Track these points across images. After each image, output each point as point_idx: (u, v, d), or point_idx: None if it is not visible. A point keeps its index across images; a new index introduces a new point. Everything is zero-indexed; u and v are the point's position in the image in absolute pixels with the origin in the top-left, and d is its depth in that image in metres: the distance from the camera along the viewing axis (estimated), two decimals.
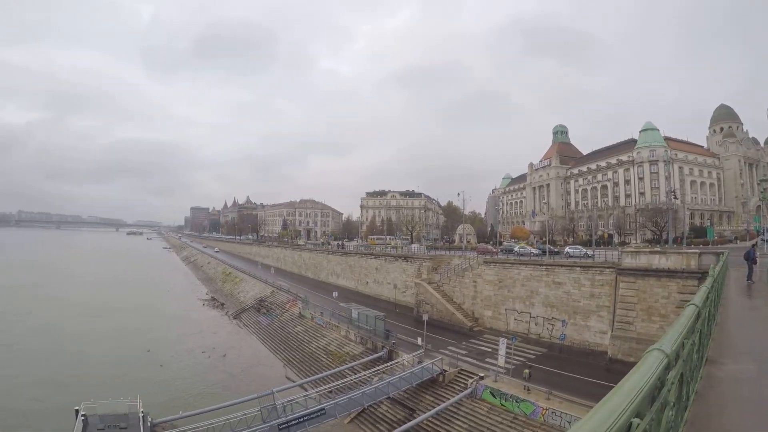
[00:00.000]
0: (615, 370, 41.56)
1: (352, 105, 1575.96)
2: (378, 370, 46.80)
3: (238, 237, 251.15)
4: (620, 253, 52.77)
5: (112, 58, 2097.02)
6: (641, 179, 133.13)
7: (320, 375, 49.54)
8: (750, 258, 26.55)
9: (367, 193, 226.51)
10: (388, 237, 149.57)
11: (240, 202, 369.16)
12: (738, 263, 30.49)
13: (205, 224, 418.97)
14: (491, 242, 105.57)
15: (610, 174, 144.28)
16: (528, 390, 37.93)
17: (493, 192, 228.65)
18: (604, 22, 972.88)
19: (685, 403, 4.53)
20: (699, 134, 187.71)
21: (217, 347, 66.90)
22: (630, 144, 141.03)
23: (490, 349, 51.38)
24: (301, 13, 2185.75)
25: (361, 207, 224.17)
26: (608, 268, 50.24)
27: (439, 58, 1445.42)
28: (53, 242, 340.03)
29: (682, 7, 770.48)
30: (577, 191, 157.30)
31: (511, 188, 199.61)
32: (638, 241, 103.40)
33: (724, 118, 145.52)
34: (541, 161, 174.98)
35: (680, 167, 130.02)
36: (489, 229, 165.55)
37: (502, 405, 38.14)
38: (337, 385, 43.34)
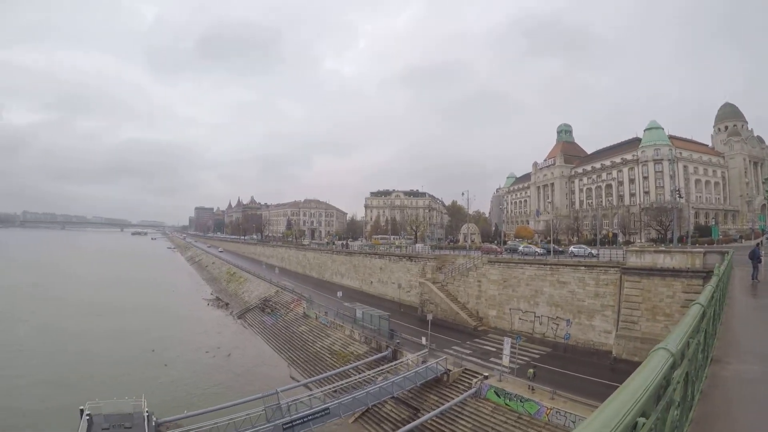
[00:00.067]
0: (619, 369, 41.50)
1: (356, 105, 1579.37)
2: (382, 369, 46.83)
3: (243, 237, 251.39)
4: (625, 252, 52.70)
5: (116, 59, 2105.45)
6: (646, 178, 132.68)
7: (324, 375, 49.53)
8: (755, 257, 26.48)
9: (372, 193, 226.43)
10: (392, 237, 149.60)
11: (244, 202, 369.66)
12: (743, 262, 30.43)
13: (210, 224, 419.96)
14: (495, 242, 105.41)
15: (614, 173, 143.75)
16: (532, 389, 37.87)
17: (497, 191, 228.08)
18: (605, 22, 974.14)
19: (690, 403, 4.52)
20: (702, 132, 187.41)
21: (221, 347, 67.02)
22: (634, 143, 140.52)
23: (494, 349, 51.38)
24: (304, 13, 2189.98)
25: (366, 207, 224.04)
26: (613, 267, 50.14)
27: (442, 57, 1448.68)
28: (57, 242, 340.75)
29: (682, 7, 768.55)
30: (581, 190, 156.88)
31: (516, 187, 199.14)
32: (643, 241, 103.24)
33: (729, 117, 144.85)
34: (545, 160, 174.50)
35: (685, 166, 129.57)
36: (493, 228, 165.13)
37: (506, 404, 38.10)
38: (342, 384, 43.45)
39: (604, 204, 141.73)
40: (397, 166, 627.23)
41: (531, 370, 40.50)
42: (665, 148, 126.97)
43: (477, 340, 57.50)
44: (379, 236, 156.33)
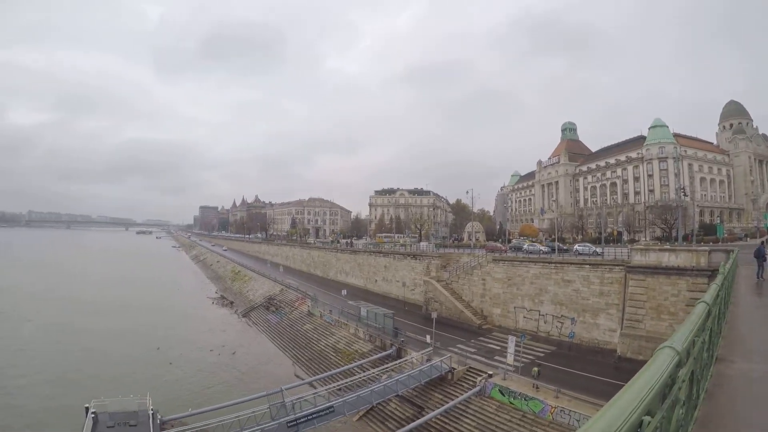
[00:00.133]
0: (624, 368, 41.44)
1: (359, 103, 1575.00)
2: (387, 368, 46.90)
3: (247, 236, 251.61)
4: (629, 250, 52.43)
5: (121, 59, 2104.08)
6: (650, 176, 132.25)
7: (329, 373, 49.62)
8: (760, 255, 26.38)
9: (376, 191, 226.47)
10: (397, 235, 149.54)
11: (249, 201, 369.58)
12: (748, 261, 30.31)
13: (214, 223, 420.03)
14: (500, 240, 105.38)
15: (619, 171, 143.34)
16: (537, 388, 37.84)
17: (501, 189, 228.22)
18: (606, 21, 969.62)
19: (695, 402, 4.52)
20: (704, 131, 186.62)
21: (226, 345, 67.18)
22: (639, 141, 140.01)
23: (498, 347, 51.32)
24: (306, 12, 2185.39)
25: (370, 205, 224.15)
26: (617, 265, 49.98)
27: (444, 56, 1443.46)
28: (62, 242, 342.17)
29: (681, 7, 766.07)
30: (586, 188, 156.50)
31: (520, 186, 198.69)
32: (648, 239, 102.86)
33: (734, 114, 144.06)
34: (549, 158, 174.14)
35: (690, 164, 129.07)
36: (498, 226, 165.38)
37: (510, 403, 38.09)
38: (346, 383, 43.55)
39: (608, 202, 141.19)
40: (401, 164, 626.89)
41: (535, 369, 40.50)
42: (670, 146, 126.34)
43: (481, 338, 57.47)
44: (383, 234, 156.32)
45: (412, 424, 38.07)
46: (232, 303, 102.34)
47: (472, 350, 51.70)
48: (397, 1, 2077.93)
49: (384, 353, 52.67)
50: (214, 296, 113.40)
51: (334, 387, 42.53)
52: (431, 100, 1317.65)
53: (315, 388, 43.87)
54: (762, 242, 42.95)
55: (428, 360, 46.00)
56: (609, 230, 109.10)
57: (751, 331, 11.01)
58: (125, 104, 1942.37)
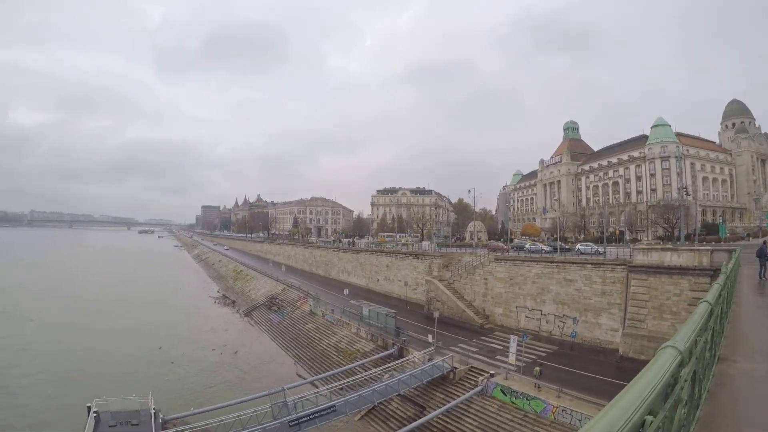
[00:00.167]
0: (626, 367, 41.42)
1: (361, 103, 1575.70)
2: (389, 367, 46.88)
3: (249, 235, 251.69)
4: (632, 250, 52.46)
5: (122, 58, 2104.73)
6: (653, 175, 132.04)
7: (331, 372, 49.67)
8: (762, 255, 26.30)
9: (378, 191, 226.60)
10: (399, 234, 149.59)
11: (251, 201, 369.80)
12: (750, 260, 30.23)
13: (216, 222, 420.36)
14: (502, 239, 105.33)
15: (621, 170, 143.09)
16: (539, 388, 37.83)
17: (503, 189, 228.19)
18: (606, 20, 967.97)
19: (697, 401, 4.52)
20: (707, 129, 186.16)
21: (228, 344, 67.26)
22: (641, 140, 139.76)
23: (500, 347, 51.26)
24: (308, 12, 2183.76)
25: (372, 204, 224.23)
26: (620, 265, 49.93)
27: (447, 55, 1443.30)
28: (65, 241, 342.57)
29: (682, 7, 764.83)
30: (588, 188, 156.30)
31: (522, 185, 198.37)
32: (650, 238, 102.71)
33: (736, 114, 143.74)
34: (551, 158, 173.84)
35: (692, 163, 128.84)
36: (500, 226, 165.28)
37: (512, 402, 38.09)
38: (348, 382, 43.53)
39: (611, 201, 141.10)
40: (403, 163, 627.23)
41: (537, 368, 40.44)
42: (672, 145, 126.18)
43: (483, 337, 57.45)
44: (385, 234, 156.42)
45: (414, 424, 38.10)
46: (234, 302, 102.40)
47: (474, 350, 51.70)
48: (398, 1, 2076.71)
49: (386, 353, 52.70)
50: (216, 295, 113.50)
51: (335, 386, 42.52)
52: (433, 100, 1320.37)
53: (317, 387, 43.92)
54: (764, 242, 42.72)
55: (430, 359, 46.00)
56: (611, 230, 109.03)
57: (753, 331, 10.98)
58: (127, 104, 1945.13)
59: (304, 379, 50.45)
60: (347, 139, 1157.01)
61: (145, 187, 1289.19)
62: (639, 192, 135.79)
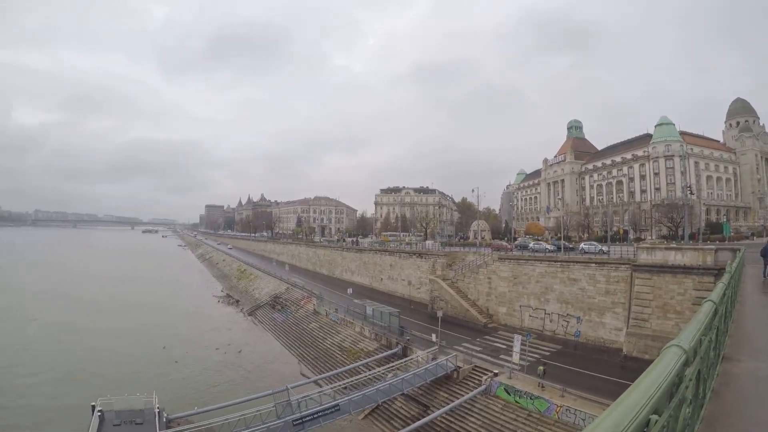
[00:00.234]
0: (630, 367, 41.35)
1: (364, 102, 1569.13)
2: (392, 366, 46.91)
3: (253, 234, 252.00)
4: (636, 249, 52.39)
5: (125, 59, 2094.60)
6: (657, 174, 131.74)
7: (335, 371, 49.69)
8: (767, 254, 26.26)
9: (382, 190, 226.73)
10: (402, 233, 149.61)
11: (254, 200, 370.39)
12: (754, 260, 30.18)
13: (220, 222, 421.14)
14: (506, 238, 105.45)
15: (625, 169, 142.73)
16: (542, 387, 37.82)
17: (507, 188, 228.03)
18: (608, 19, 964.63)
19: (701, 401, 4.52)
20: (710, 128, 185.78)
21: (232, 344, 67.34)
22: (645, 139, 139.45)
23: (504, 346, 51.28)
24: (312, 11, 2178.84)
25: (376, 203, 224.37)
26: (623, 264, 49.86)
27: (449, 54, 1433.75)
28: (69, 241, 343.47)
29: (683, 6, 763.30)
30: (592, 187, 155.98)
31: (526, 184, 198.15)
32: (654, 237, 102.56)
33: (740, 112, 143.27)
34: (555, 157, 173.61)
35: (696, 162, 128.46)
36: (503, 225, 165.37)
37: (516, 402, 38.09)
38: (352, 381, 43.53)
39: (614, 200, 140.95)
40: (406, 163, 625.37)
41: (541, 368, 40.42)
42: (676, 144, 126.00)
43: (487, 337, 57.45)
44: (389, 233, 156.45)
45: (418, 423, 38.10)
46: (237, 301, 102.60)
47: (478, 349, 51.73)
48: (400, 0, 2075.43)
49: (389, 352, 52.74)
50: (219, 295, 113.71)
51: (339, 385, 42.55)
52: (435, 99, 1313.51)
53: (320, 386, 43.98)
54: None
55: (434, 359, 46.01)
56: (615, 229, 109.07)
57: (757, 330, 10.97)
58: (130, 104, 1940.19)
59: (308, 378, 50.54)
60: (350, 138, 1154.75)
61: (149, 187, 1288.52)
62: (643, 191, 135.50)
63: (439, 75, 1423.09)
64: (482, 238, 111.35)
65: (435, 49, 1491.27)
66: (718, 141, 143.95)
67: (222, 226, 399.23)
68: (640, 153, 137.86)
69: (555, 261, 57.81)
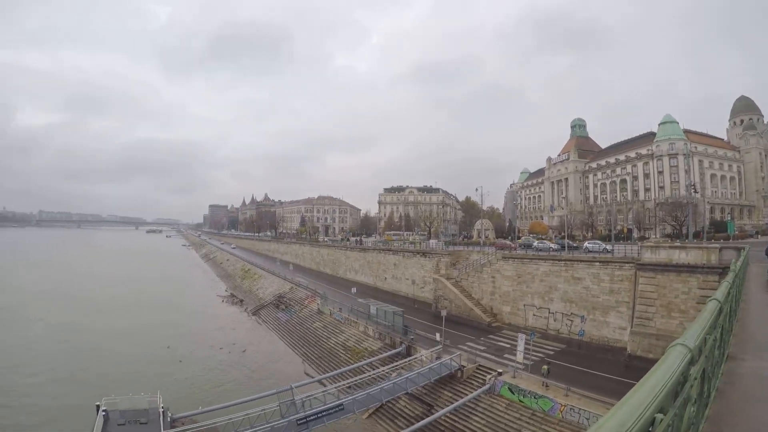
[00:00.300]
0: (634, 366, 41.31)
1: (367, 101, 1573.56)
2: (396, 365, 46.89)
3: (257, 234, 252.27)
4: (640, 247, 52.19)
5: (127, 59, 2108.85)
6: (660, 173, 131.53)
7: (339, 371, 49.71)
8: None
9: (385, 189, 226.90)
10: (406, 233, 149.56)
11: (258, 200, 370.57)
12: (759, 258, 30.10)
13: (224, 222, 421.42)
14: (510, 237, 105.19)
15: (629, 168, 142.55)
16: (546, 386, 37.78)
17: (511, 187, 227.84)
18: (610, 18, 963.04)
19: (706, 400, 4.52)
20: (714, 126, 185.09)
21: (236, 343, 67.44)
22: (649, 137, 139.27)
23: (508, 345, 51.20)
24: (314, 11, 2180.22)
25: (379, 203, 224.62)
26: (628, 263, 49.75)
27: (452, 53, 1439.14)
28: (73, 241, 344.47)
29: (682, 7, 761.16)
30: (595, 185, 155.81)
31: (529, 183, 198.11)
32: (658, 236, 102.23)
33: (744, 110, 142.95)
34: (559, 155, 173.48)
35: (700, 160, 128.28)
36: (507, 224, 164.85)
37: (520, 401, 38.05)
38: (356, 380, 43.54)
39: (618, 199, 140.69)
40: (410, 162, 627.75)
41: (545, 367, 40.38)
42: (680, 142, 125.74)
43: (491, 336, 57.39)
44: (392, 232, 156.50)
45: (422, 422, 38.09)
46: (241, 301, 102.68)
47: (482, 348, 51.65)
48: (402, 0, 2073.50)
49: (393, 351, 52.74)
50: (223, 294, 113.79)
51: (343, 385, 42.58)
52: (437, 98, 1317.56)
53: (324, 385, 43.94)
54: None
55: (438, 358, 45.99)
56: (619, 227, 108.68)
57: (762, 329, 10.93)
58: (133, 104, 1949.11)
59: (312, 377, 50.57)
60: (353, 137, 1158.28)
61: (153, 187, 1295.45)
62: (647, 189, 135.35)
63: (441, 74, 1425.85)
64: (486, 237, 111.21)
65: (436, 49, 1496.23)
66: (722, 139, 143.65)
67: (226, 225, 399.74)
68: (643, 151, 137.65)
69: (559, 260, 57.72)
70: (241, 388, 48.69)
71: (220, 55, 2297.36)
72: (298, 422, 34.29)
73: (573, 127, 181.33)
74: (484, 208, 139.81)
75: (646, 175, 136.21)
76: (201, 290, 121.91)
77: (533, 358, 43.60)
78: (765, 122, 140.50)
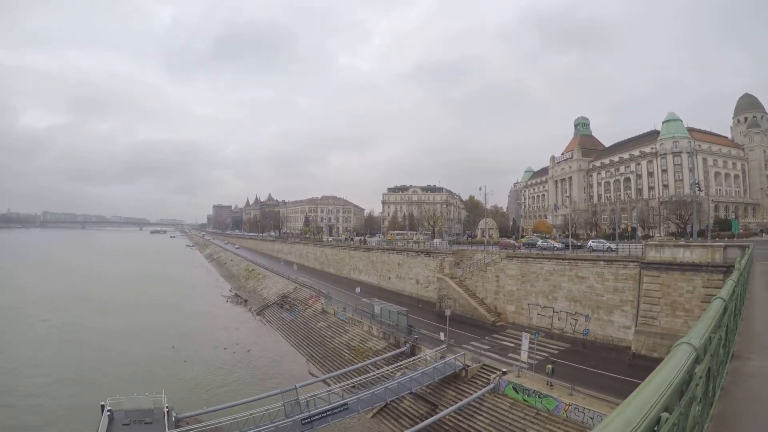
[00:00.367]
0: (638, 365, 41.18)
1: (371, 101, 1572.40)
2: (400, 365, 46.85)
3: (261, 234, 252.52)
4: (644, 246, 52.07)
5: (131, 60, 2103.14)
6: (664, 171, 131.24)
7: (343, 370, 49.77)
8: None
9: (389, 189, 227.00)
10: (410, 232, 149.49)
11: (262, 200, 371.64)
12: (764, 256, 30.05)
13: (228, 222, 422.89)
14: (513, 236, 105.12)
15: (633, 166, 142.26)
16: (551, 385, 37.73)
17: (514, 186, 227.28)
18: (612, 16, 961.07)
19: (711, 399, 4.51)
20: (717, 124, 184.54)
21: (240, 343, 67.52)
22: (653, 135, 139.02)
23: (512, 344, 51.11)
24: (317, 11, 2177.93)
25: (383, 202, 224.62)
26: (632, 261, 49.64)
27: (455, 53, 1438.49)
28: (77, 242, 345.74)
29: (682, 7, 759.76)
30: (599, 184, 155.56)
31: (533, 182, 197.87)
32: (662, 235, 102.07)
33: (748, 108, 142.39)
34: (562, 154, 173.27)
35: (704, 159, 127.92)
36: (511, 223, 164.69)
37: (524, 400, 38.00)
38: (360, 380, 43.53)
39: (622, 198, 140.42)
40: (414, 161, 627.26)
41: (549, 366, 40.31)
42: (684, 140, 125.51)
43: (495, 335, 57.32)
44: (395, 231, 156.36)
45: (426, 422, 38.08)
46: (246, 301, 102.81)
47: (486, 347, 51.65)
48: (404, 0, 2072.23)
49: (398, 351, 52.70)
50: (228, 294, 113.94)
51: (348, 384, 42.68)
52: (441, 97, 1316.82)
53: (329, 385, 44.02)
54: None
55: (442, 357, 45.98)
56: (623, 226, 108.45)
57: (767, 328, 10.92)
58: (137, 105, 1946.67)
59: (316, 377, 50.60)
60: (357, 137, 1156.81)
61: (157, 188, 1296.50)
62: (651, 188, 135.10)
63: (443, 74, 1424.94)
64: (490, 236, 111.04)
65: (439, 48, 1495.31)
66: (726, 137, 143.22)
67: (230, 226, 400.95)
68: (647, 150, 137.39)
69: (563, 259, 57.62)
70: (246, 388, 48.77)
71: (223, 55, 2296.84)
72: (303, 422, 34.33)
73: (576, 125, 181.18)
74: (488, 207, 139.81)
75: (650, 174, 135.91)
76: (205, 290, 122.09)
77: (537, 357, 43.52)
78: None
